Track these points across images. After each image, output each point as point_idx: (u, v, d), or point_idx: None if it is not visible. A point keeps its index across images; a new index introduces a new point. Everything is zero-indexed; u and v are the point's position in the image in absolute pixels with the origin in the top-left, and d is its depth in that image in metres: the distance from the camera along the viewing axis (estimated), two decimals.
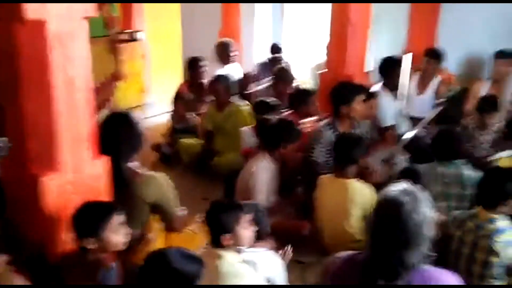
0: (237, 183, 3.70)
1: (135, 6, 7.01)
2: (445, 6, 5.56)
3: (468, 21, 5.43)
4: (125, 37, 6.34)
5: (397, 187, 1.85)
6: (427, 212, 1.80)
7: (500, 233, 2.56)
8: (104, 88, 4.02)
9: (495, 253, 2.53)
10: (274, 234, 3.36)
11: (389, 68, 4.66)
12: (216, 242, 2.37)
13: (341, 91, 3.94)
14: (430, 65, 5.04)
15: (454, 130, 3.57)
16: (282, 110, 4.59)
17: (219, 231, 2.35)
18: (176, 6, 7.35)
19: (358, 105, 3.89)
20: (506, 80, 4.73)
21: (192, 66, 5.54)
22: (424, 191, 2.92)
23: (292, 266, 3.13)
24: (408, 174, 3.01)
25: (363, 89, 4.07)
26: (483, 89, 4.83)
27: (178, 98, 5.35)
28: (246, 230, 2.40)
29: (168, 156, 5.08)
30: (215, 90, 4.82)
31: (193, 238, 2.89)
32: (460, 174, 3.30)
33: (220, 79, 4.88)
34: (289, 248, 2.84)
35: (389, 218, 1.78)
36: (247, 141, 4.23)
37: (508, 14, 5.21)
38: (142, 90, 6.55)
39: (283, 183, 3.80)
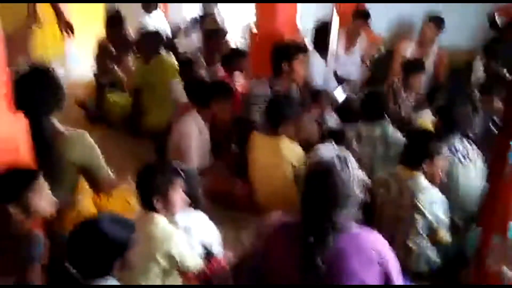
0: (168, 143, 3.62)
1: None
2: None
3: None
4: None
5: (325, 149, 1.89)
6: (355, 173, 1.86)
7: (423, 191, 2.68)
8: (18, 34, 3.66)
9: (419, 210, 2.65)
10: (208, 195, 3.37)
11: (321, 32, 4.67)
12: (147, 205, 2.31)
13: (284, 48, 3.92)
14: (356, 25, 5.09)
15: (380, 91, 3.67)
16: (214, 68, 4.51)
17: (151, 194, 2.28)
18: None
19: (298, 65, 3.88)
20: (431, 44, 4.92)
21: (113, 24, 5.29)
22: (349, 151, 3.06)
23: (227, 226, 3.15)
24: (334, 135, 3.08)
25: (305, 49, 4.07)
26: (408, 50, 4.99)
27: (102, 50, 5.08)
28: (178, 194, 2.34)
29: (93, 113, 4.86)
30: (143, 44, 4.65)
31: (124, 201, 2.80)
32: (385, 134, 3.42)
33: (149, 33, 4.74)
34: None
35: (318, 180, 1.83)
36: (178, 94, 4.12)
37: None
38: (61, 38, 6.08)
39: (215, 143, 3.78)
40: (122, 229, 1.87)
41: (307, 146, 3.34)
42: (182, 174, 2.41)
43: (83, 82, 5.53)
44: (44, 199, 2.17)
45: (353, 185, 1.83)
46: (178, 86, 4.17)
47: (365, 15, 5.14)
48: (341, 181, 1.80)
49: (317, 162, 1.89)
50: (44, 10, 5.59)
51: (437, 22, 4.92)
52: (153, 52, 4.62)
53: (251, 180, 3.47)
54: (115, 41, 5.28)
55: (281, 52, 3.90)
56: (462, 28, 5.12)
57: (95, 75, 5.14)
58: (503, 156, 1.41)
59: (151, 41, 4.65)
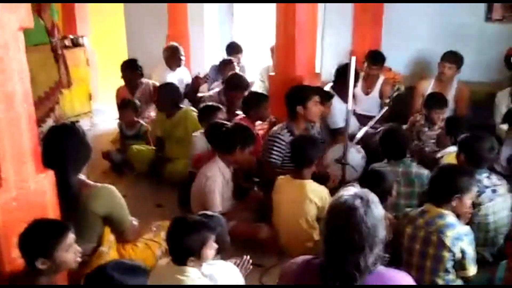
0: (192, 189, 3.67)
1: (78, 10, 6.82)
2: (387, 8, 5.72)
3: (411, 22, 5.63)
4: (68, 43, 6.14)
5: (349, 191, 1.86)
6: (379, 215, 1.81)
7: (450, 228, 2.63)
8: (49, 97, 3.86)
9: (446, 248, 2.60)
10: (232, 239, 3.36)
11: (340, 75, 4.73)
12: (179, 260, 2.30)
13: (296, 92, 4.00)
14: (371, 69, 5.14)
15: (398, 128, 3.68)
16: (235, 114, 4.59)
17: (185, 254, 2.26)
18: (120, 9, 7.21)
19: (313, 106, 3.96)
20: (450, 81, 4.91)
21: (129, 67, 5.53)
22: (392, 192, 3.01)
23: (251, 270, 3.14)
24: (371, 177, 3.06)
25: (318, 90, 4.14)
26: (428, 87, 4.99)
27: (125, 103, 5.24)
28: (210, 250, 2.33)
29: (119, 164, 4.97)
30: (162, 99, 4.78)
31: (148, 249, 2.83)
32: (410, 172, 3.40)
33: (166, 88, 4.83)
34: (246, 260, 2.80)
35: (341, 223, 1.78)
36: (198, 147, 4.19)
37: (447, 14, 5.44)
38: (89, 97, 6.37)
39: (238, 187, 3.80)
40: (133, 276, 1.88)
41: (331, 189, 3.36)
42: (214, 225, 2.41)
43: (109, 134, 5.70)
44: (71, 251, 2.21)
45: (377, 226, 1.78)
46: (199, 139, 4.21)
47: (377, 59, 5.14)
48: (364, 222, 1.75)
49: (339, 202, 1.83)
50: (74, 73, 5.93)
51: (455, 60, 4.89)
52: (173, 107, 4.72)
53: (275, 223, 3.46)
54: (132, 86, 5.51)
55: (294, 96, 3.98)
56: (479, 63, 5.16)
57: (120, 127, 5.28)
58: None
59: (168, 96, 4.73)
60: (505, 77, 4.95)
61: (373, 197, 1.85)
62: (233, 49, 6.43)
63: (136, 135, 5.12)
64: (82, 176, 2.68)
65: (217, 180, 3.50)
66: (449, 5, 5.38)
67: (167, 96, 4.74)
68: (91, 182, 2.69)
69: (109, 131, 5.91)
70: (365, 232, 1.74)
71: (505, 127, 4.11)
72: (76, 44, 6.22)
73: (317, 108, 4.01)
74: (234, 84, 5.11)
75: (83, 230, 2.57)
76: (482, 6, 5.34)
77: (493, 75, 5.16)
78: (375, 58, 5.15)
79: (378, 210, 1.82)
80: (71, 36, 6.27)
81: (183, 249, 2.27)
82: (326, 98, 4.40)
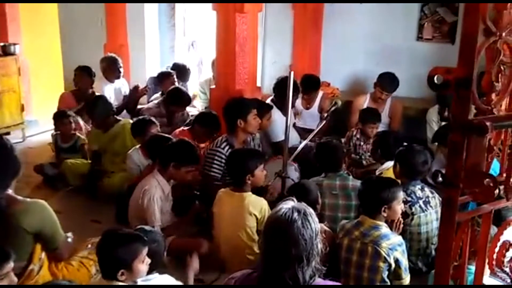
0: (130, 204, 3.57)
1: (9, 17, 6.49)
2: (326, 24, 5.90)
3: (348, 40, 5.84)
4: None
5: (287, 204, 1.87)
6: (316, 228, 1.83)
7: (385, 239, 2.73)
8: None
9: (382, 258, 2.69)
10: (171, 254, 3.31)
11: (281, 88, 4.78)
12: (110, 275, 2.23)
13: (236, 105, 4.02)
14: (309, 93, 5.21)
15: (331, 142, 3.76)
16: (175, 127, 4.55)
17: (115, 268, 2.20)
18: (55, 18, 6.96)
19: (253, 119, 3.99)
20: (384, 101, 5.11)
21: (86, 72, 5.44)
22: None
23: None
24: (297, 190, 3.11)
25: (255, 103, 4.17)
26: (364, 103, 5.17)
27: (62, 113, 5.05)
28: (142, 264, 2.28)
29: (52, 178, 4.76)
30: (95, 113, 4.66)
31: (82, 267, 2.73)
32: (346, 185, 3.48)
33: (98, 102, 4.72)
34: (191, 259, 2.77)
35: (280, 236, 1.80)
36: (133, 165, 4.12)
37: (381, 33, 5.68)
38: (21, 108, 6.07)
39: (178, 201, 3.74)
40: None
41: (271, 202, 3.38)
42: (147, 239, 2.36)
43: (42, 147, 5.47)
44: (5, 281, 2.09)
45: (314, 238, 1.80)
46: (133, 157, 4.14)
47: (309, 85, 5.20)
48: (301, 235, 1.77)
49: (277, 215, 1.84)
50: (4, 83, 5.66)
51: (392, 89, 5.04)
52: (107, 120, 4.62)
53: (216, 236, 3.43)
54: (81, 94, 5.38)
55: (234, 110, 4.00)
56: (411, 80, 5.41)
57: (55, 139, 5.07)
58: (452, 203, 1.45)
59: (99, 111, 4.63)
60: (435, 94, 5.21)
61: (311, 211, 1.88)
62: (180, 73, 6.15)
63: (72, 148, 4.94)
64: (10, 191, 2.55)
65: (155, 194, 3.43)
66: (384, 25, 5.65)
67: (97, 111, 4.63)
68: (21, 198, 2.56)
69: (43, 143, 5.66)
70: (302, 244, 1.77)
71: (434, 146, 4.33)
72: (7, 52, 5.94)
73: (256, 120, 4.05)
74: (175, 99, 5.06)
75: (12, 248, 2.44)
76: (413, 27, 5.64)
77: (425, 92, 5.42)
78: (308, 85, 5.17)
79: (315, 223, 1.85)
80: (2, 44, 5.99)
81: (113, 262, 2.21)
82: (264, 110, 4.44)
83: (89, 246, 2.93)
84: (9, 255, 2.12)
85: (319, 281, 1.85)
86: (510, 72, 1.44)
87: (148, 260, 2.31)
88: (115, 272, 2.20)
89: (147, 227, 2.78)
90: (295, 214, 1.80)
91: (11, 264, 2.10)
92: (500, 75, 1.40)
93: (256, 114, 4.05)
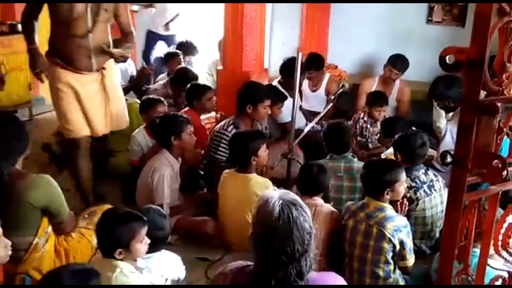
0: (138, 182, 3.60)
1: None
2: (335, 7, 5.84)
3: (357, 23, 5.77)
4: (6, 29, 5.84)
5: (272, 196, 1.70)
6: (309, 219, 1.70)
7: (390, 220, 2.74)
8: None
9: (386, 239, 2.70)
10: (178, 233, 3.34)
11: (288, 69, 4.76)
12: (108, 253, 2.25)
13: (250, 91, 3.99)
14: (311, 72, 5.15)
15: (342, 124, 3.76)
16: (181, 107, 4.54)
17: (113, 246, 2.23)
18: None
19: (262, 109, 3.98)
20: (393, 81, 5.08)
21: None
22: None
23: (196, 263, 3.12)
24: (311, 170, 3.11)
25: (271, 93, 4.18)
26: (372, 86, 5.14)
27: None
28: (141, 244, 2.29)
29: (59, 156, 4.79)
30: None
31: (82, 238, 2.76)
32: (351, 167, 3.49)
33: None
34: None
35: (271, 233, 1.64)
36: (137, 145, 4.13)
37: (391, 17, 5.62)
38: (28, 86, 6.08)
39: (185, 181, 3.77)
40: (86, 280, 1.84)
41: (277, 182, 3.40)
42: (149, 218, 2.37)
43: (50, 126, 5.48)
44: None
45: (309, 230, 1.66)
46: (138, 138, 4.15)
47: (315, 65, 5.13)
48: (297, 228, 1.62)
49: (266, 213, 1.65)
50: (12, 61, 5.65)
51: (403, 67, 5.03)
52: None
53: (221, 217, 3.46)
54: None
55: (246, 96, 3.98)
56: (420, 64, 5.36)
57: None
58: (460, 184, 1.46)
59: None
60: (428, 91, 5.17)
61: (302, 202, 1.74)
62: (186, 48, 6.26)
63: None
64: (17, 167, 2.57)
65: (166, 171, 3.45)
66: (393, 8, 5.58)
67: None
68: (27, 172, 2.58)
69: (50, 121, 5.67)
70: (298, 238, 1.63)
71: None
72: (14, 30, 5.92)
73: (266, 111, 4.03)
74: (181, 78, 5.05)
75: (19, 223, 2.48)
76: (424, 10, 5.57)
77: (434, 75, 5.36)
78: (312, 63, 5.11)
79: (308, 215, 1.71)
80: (9, 22, 5.97)
81: (110, 240, 2.24)
82: (279, 99, 4.44)
83: (86, 216, 2.96)
84: None
85: (313, 275, 1.73)
86: None
87: (147, 240, 2.32)
88: (112, 251, 2.22)
89: (154, 206, 2.80)
90: (293, 210, 1.65)
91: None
92: None
93: (269, 104, 4.03)
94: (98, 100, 3.60)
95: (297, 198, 1.72)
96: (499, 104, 1.30)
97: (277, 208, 1.64)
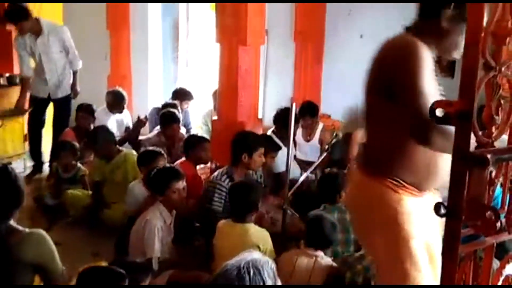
0: (131, 234, 3.55)
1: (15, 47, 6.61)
2: (327, 58, 5.98)
3: (349, 73, 5.88)
4: (4, 81, 5.93)
5: (241, 259, 1.78)
6: (270, 281, 1.75)
7: None
8: None
9: None
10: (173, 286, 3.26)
11: (281, 119, 4.82)
12: None
13: (244, 140, 4.02)
14: (306, 120, 5.23)
15: (334, 173, 3.76)
16: (176, 157, 4.55)
17: None
18: None
19: (258, 157, 3.99)
20: None
21: (84, 112, 5.47)
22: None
23: None
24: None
25: (265, 141, 4.22)
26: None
27: (64, 145, 5.07)
28: None
29: (52, 209, 4.74)
30: (97, 142, 4.68)
31: None
32: (345, 218, 3.43)
33: (100, 131, 4.77)
34: None
35: None
36: (134, 197, 4.08)
37: None
38: (23, 138, 6.10)
39: (180, 233, 3.72)
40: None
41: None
42: (125, 275, 2.32)
43: (43, 176, 5.48)
44: None
45: None
46: (135, 189, 4.11)
47: (308, 111, 5.21)
48: None
49: (228, 275, 1.75)
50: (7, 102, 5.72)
51: None
52: (111, 149, 4.63)
53: (216, 269, 3.39)
54: (80, 131, 5.39)
55: (241, 144, 4.00)
56: None
57: (56, 169, 5.08)
58: (455, 235, 1.45)
59: (102, 140, 4.65)
60: None
61: (268, 264, 1.79)
62: (182, 95, 6.38)
63: (73, 179, 4.93)
64: (11, 222, 2.54)
65: (157, 224, 3.42)
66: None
67: (99, 140, 4.66)
68: (20, 228, 2.54)
69: (43, 174, 5.67)
70: None
71: None
72: (12, 82, 6.02)
73: (261, 159, 4.05)
74: (167, 117, 5.15)
75: (10, 281, 2.42)
76: None
77: None
78: (306, 110, 5.20)
79: (269, 278, 1.76)
80: (7, 74, 6.07)
81: None
82: (273, 149, 4.46)
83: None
84: None
85: None
86: (510, 106, 1.46)
87: None
88: None
89: (139, 260, 2.76)
90: (246, 273, 1.71)
91: None
92: (500, 108, 1.41)
93: (263, 152, 4.05)
94: None
95: (268, 263, 1.75)
96: (489, 156, 1.32)
97: (237, 273, 1.69)
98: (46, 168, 5.74)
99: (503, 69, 1.39)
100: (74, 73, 5.67)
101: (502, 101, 1.43)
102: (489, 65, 1.36)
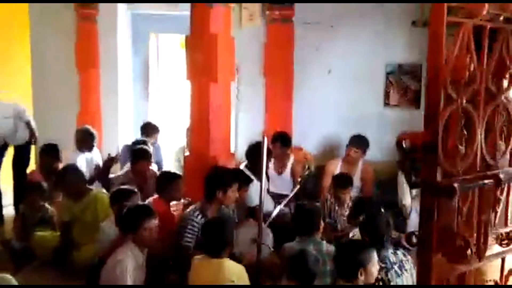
0: (102, 275, 3.45)
1: None
2: (297, 92, 6.09)
3: (318, 106, 6.03)
4: None
5: None
6: None
7: None
8: None
9: None
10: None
11: (254, 153, 4.83)
12: None
13: (218, 176, 4.00)
14: (278, 150, 5.27)
15: (310, 204, 3.78)
16: (148, 195, 4.49)
17: None
18: (28, 86, 6.93)
19: (232, 192, 3.99)
20: (356, 162, 5.24)
21: (48, 152, 5.32)
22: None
23: None
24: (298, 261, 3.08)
25: (238, 176, 4.20)
26: (337, 167, 5.26)
27: (32, 186, 4.95)
28: None
29: (19, 253, 4.57)
30: (66, 181, 4.58)
31: None
32: (320, 250, 3.45)
33: (69, 170, 4.67)
34: None
35: None
36: (107, 237, 3.97)
37: (351, 100, 5.89)
38: None
39: (153, 270, 3.64)
40: None
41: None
42: None
43: (8, 220, 5.31)
44: None
45: None
46: (106, 229, 4.01)
47: (280, 142, 5.27)
48: None
49: None
50: None
51: (361, 145, 5.24)
52: (81, 189, 4.54)
53: None
54: (48, 172, 5.26)
55: (216, 181, 3.99)
56: (381, 144, 5.57)
57: (23, 211, 4.93)
58: (427, 265, 1.47)
59: (70, 178, 4.57)
60: (396, 161, 5.35)
61: None
62: (149, 129, 6.37)
63: (41, 220, 4.78)
64: None
65: (128, 264, 3.34)
66: (351, 93, 5.87)
67: (67, 179, 4.57)
68: None
69: (8, 216, 5.49)
70: None
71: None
72: None
73: (235, 194, 4.04)
74: (137, 154, 5.10)
75: None
76: (380, 94, 5.89)
77: (395, 155, 5.55)
78: (276, 139, 5.25)
79: None
80: None
81: None
82: (246, 183, 4.46)
83: None
84: None
85: None
86: (473, 135, 1.51)
87: None
88: None
89: None
90: None
91: None
92: (463, 139, 1.47)
93: (237, 188, 4.04)
94: None
95: None
96: (456, 185, 1.35)
97: None
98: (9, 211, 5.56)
99: (464, 101, 1.45)
100: (27, 123, 5.60)
101: (465, 132, 1.48)
102: (451, 98, 1.42)
